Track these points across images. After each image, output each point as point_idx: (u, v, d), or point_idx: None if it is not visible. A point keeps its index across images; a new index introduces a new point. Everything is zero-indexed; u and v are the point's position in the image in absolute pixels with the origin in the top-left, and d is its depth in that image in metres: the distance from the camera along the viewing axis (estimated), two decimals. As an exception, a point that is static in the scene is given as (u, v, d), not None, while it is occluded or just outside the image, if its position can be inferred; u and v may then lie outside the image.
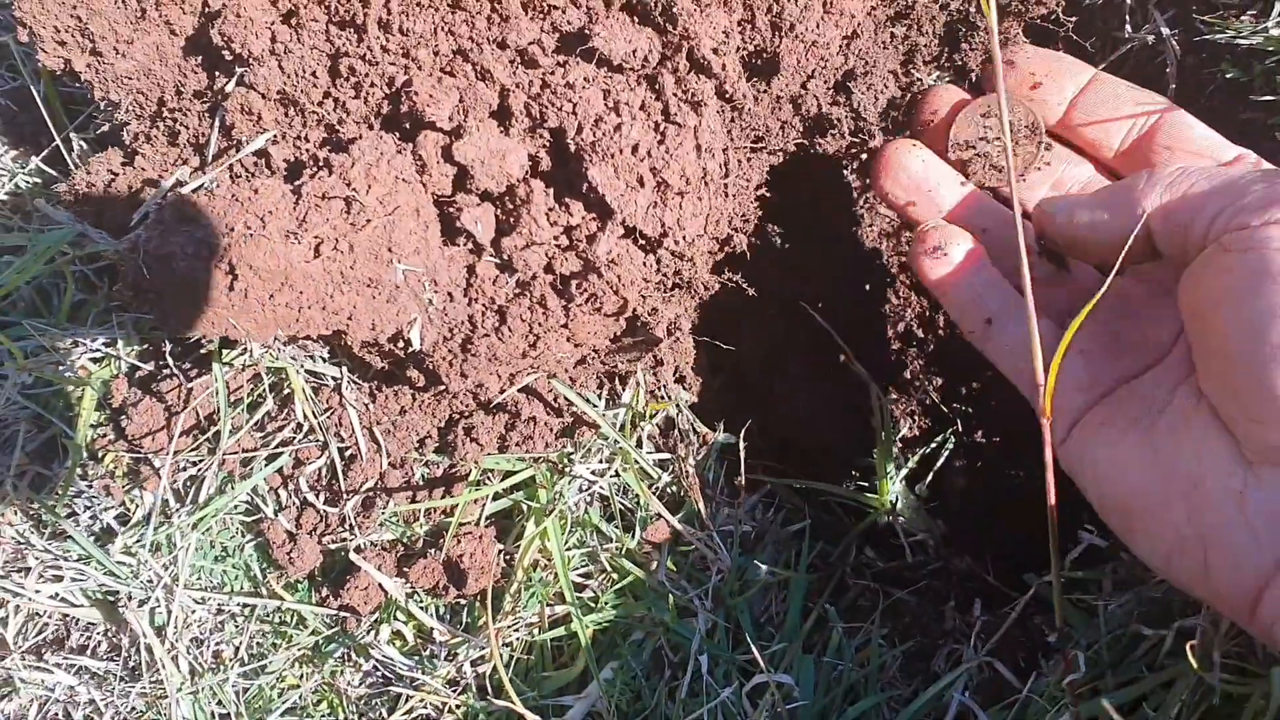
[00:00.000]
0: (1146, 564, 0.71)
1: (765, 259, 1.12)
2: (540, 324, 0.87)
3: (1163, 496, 0.67)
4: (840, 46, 0.93)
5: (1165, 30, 1.08)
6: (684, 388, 1.07)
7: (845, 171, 1.12)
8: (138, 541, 0.97)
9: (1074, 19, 1.07)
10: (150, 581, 0.97)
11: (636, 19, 0.87)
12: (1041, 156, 0.89)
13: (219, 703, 0.97)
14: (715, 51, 0.88)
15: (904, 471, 1.09)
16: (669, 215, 0.87)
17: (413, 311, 0.85)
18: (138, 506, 0.99)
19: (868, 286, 1.16)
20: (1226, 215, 0.64)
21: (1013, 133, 0.87)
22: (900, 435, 1.13)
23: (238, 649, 0.98)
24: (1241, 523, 0.62)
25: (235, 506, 0.99)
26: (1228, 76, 1.08)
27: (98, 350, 1.01)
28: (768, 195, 1.01)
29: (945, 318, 1.14)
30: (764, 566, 0.98)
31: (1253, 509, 0.62)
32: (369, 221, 0.80)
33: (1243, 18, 1.07)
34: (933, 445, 1.12)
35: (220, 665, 0.97)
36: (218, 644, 0.98)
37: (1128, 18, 1.08)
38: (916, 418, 1.14)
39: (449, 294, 0.86)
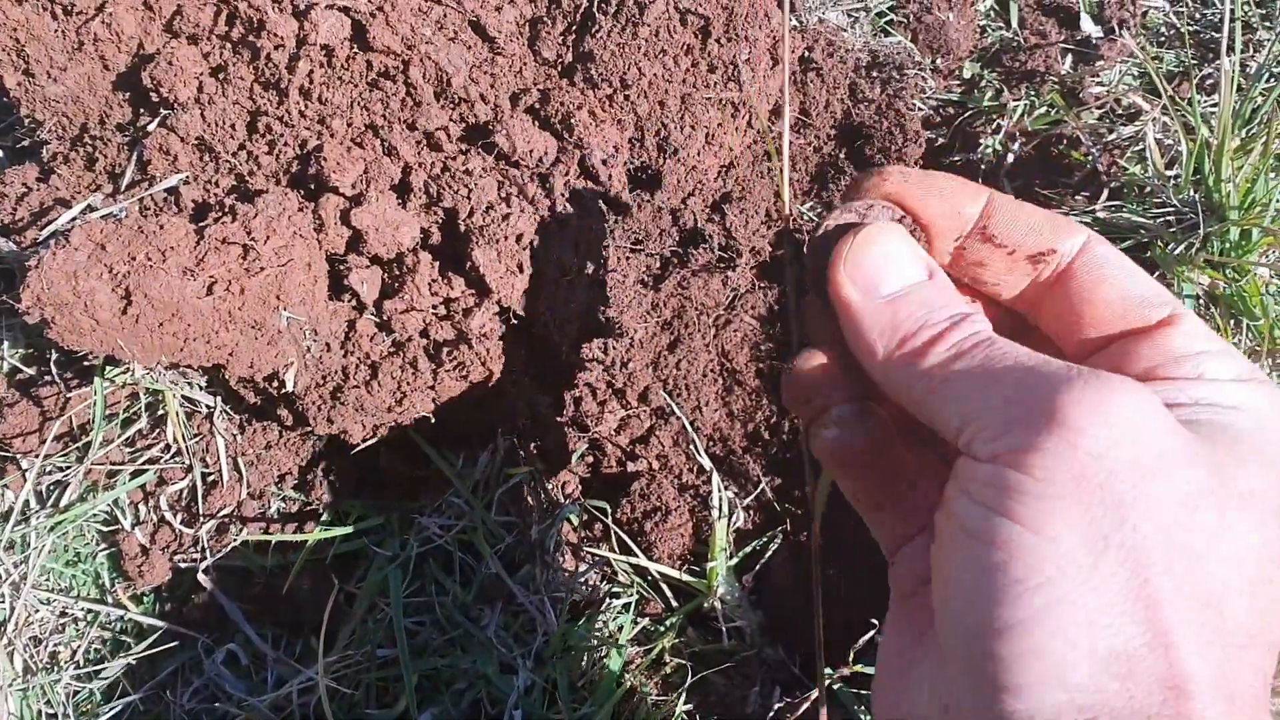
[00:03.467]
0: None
1: (637, 351, 1.21)
2: (409, 383, 0.94)
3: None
4: (718, 173, 1.04)
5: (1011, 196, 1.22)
6: (539, 459, 1.14)
7: (713, 279, 1.21)
8: (-8, 537, 1.01)
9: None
10: (-2, 577, 1.00)
11: (537, 123, 0.97)
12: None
13: (48, 702, 1.00)
14: (604, 162, 0.97)
15: (733, 561, 1.17)
16: (542, 301, 0.96)
17: (291, 356, 0.92)
18: (-4, 503, 1.03)
19: (726, 386, 1.25)
20: (970, 430, 0.47)
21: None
22: (735, 526, 1.21)
23: (74, 652, 1.02)
24: None
25: (94, 515, 1.03)
26: (1058, 247, 1.21)
27: (-19, 348, 1.05)
28: (644, 290, 1.11)
29: (791, 424, 1.23)
30: (586, 635, 1.05)
31: None
32: (263, 269, 0.87)
33: (1077, 196, 1.21)
34: (763, 540, 1.20)
35: (55, 666, 1.01)
36: (56, 645, 1.01)
37: (979, 180, 1.21)
38: (752, 512, 1.23)
39: (327, 344, 0.93)
